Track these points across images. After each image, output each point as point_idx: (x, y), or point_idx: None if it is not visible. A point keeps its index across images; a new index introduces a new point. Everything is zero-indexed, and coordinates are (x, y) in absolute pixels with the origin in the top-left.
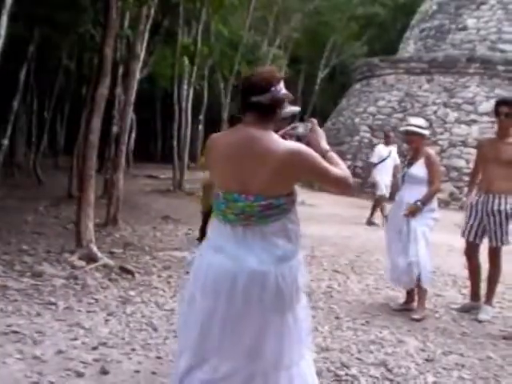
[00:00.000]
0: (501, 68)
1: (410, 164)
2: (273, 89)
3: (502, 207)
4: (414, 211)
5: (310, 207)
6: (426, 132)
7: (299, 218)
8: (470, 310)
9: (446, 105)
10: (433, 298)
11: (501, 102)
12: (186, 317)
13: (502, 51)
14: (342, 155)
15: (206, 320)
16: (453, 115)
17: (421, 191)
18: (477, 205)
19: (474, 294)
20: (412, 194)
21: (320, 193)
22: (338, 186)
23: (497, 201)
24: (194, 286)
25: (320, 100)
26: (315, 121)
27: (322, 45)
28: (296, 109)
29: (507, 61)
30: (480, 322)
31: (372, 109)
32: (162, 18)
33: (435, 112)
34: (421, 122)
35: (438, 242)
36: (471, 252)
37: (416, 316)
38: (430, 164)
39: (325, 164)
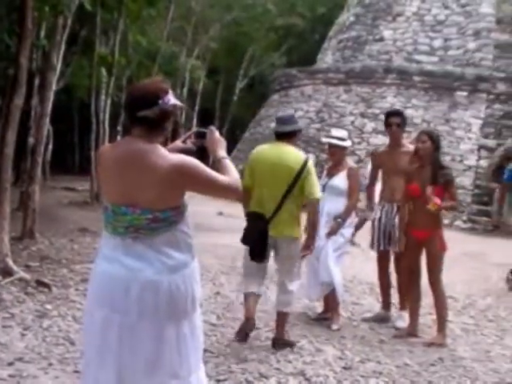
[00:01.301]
0: (417, 79)
1: (331, 175)
2: (160, 101)
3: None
4: (336, 229)
5: (228, 218)
6: (348, 143)
7: (221, 228)
8: (383, 319)
9: (363, 115)
10: (350, 307)
11: (391, 114)
12: (88, 329)
13: (418, 62)
14: None
15: (103, 332)
16: (370, 125)
17: (341, 202)
18: (381, 215)
19: (387, 303)
20: (332, 204)
21: (239, 203)
22: (225, 195)
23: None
24: (90, 297)
25: (239, 110)
26: (213, 128)
27: (241, 55)
28: None
29: (423, 71)
30: (398, 329)
31: None
32: (80, 29)
33: (353, 122)
34: (342, 133)
35: (355, 251)
36: (384, 260)
37: (335, 327)
38: (350, 176)
39: (211, 175)
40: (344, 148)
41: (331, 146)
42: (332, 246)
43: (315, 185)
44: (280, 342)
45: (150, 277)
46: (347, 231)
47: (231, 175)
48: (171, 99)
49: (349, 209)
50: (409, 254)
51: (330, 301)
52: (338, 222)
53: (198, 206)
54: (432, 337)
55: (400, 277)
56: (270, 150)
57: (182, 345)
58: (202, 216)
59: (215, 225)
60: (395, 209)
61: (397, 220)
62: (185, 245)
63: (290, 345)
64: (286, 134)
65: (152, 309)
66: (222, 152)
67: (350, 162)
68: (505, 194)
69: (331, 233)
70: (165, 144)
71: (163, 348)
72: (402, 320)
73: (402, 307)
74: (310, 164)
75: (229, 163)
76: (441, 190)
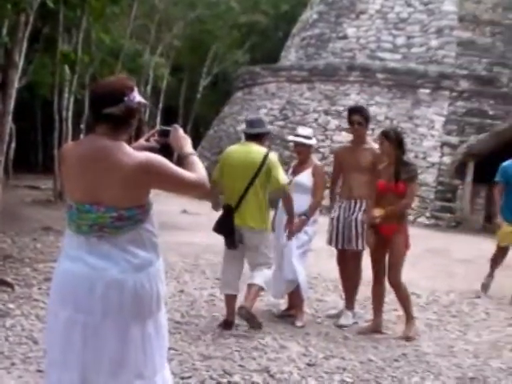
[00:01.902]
0: (380, 76)
1: (297, 172)
2: (126, 98)
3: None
4: (300, 226)
5: (193, 216)
6: (314, 142)
7: (191, 227)
8: None
9: (327, 112)
10: (314, 303)
11: (353, 111)
12: (51, 329)
13: (381, 59)
14: None
15: (66, 332)
16: (334, 123)
17: (305, 199)
18: (339, 212)
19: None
20: (297, 202)
21: (203, 201)
22: (193, 191)
23: (358, 206)
24: (53, 297)
25: (202, 108)
26: (177, 126)
27: (205, 53)
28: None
29: (386, 69)
30: (341, 327)
31: None
32: (42, 26)
33: (316, 120)
34: (308, 132)
35: (319, 248)
36: (343, 259)
37: (299, 323)
38: (315, 174)
39: (178, 172)
40: (310, 146)
41: (297, 144)
42: (296, 243)
43: (280, 173)
44: (246, 311)
45: (115, 276)
46: (311, 229)
47: (198, 171)
48: (136, 96)
49: (313, 206)
50: (375, 250)
51: (294, 298)
52: (303, 219)
53: (162, 204)
54: (403, 331)
55: (354, 276)
56: (238, 149)
57: (148, 344)
58: (167, 214)
59: (179, 223)
60: (353, 206)
61: (355, 217)
62: (150, 243)
63: (255, 323)
64: (255, 136)
65: (117, 308)
66: (188, 148)
67: (315, 159)
68: (497, 194)
69: (295, 230)
70: (129, 142)
71: (128, 348)
72: (346, 319)
73: (349, 305)
74: (272, 157)
75: (196, 159)
76: (405, 186)
